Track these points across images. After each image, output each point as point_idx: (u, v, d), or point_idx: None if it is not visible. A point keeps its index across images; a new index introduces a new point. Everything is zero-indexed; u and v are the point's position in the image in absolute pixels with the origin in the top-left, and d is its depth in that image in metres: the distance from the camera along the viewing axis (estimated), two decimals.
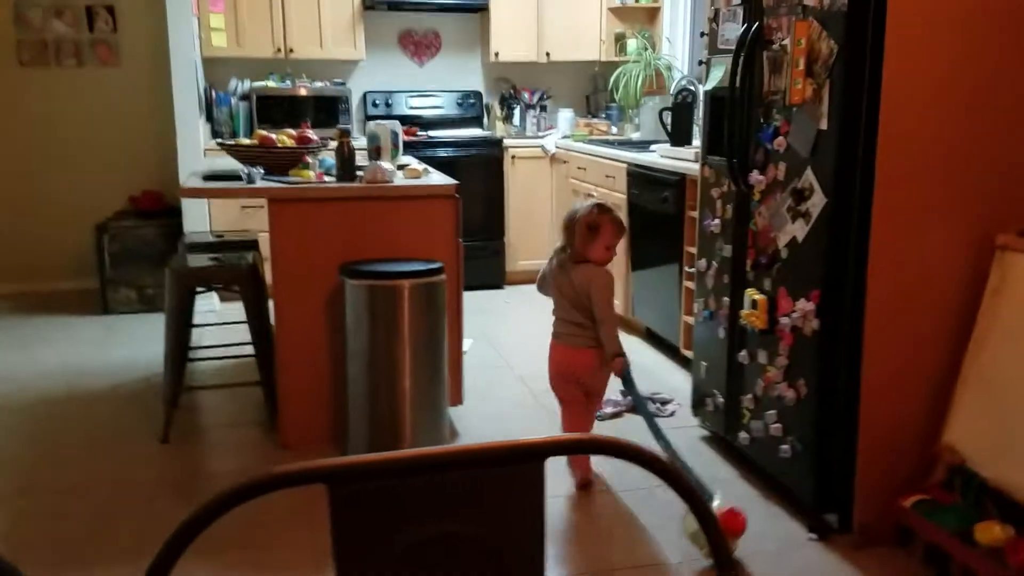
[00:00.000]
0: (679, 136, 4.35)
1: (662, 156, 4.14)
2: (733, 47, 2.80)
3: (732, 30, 2.88)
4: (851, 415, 2.47)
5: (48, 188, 5.41)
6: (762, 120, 2.71)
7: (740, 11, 2.84)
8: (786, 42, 2.57)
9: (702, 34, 3.28)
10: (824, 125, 2.41)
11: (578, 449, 0.80)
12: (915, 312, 2.42)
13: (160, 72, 5.15)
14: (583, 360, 2.85)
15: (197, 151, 4.87)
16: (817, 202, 2.45)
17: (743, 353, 2.85)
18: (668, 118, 4.47)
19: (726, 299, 2.95)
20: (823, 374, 2.49)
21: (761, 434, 2.77)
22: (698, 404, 3.25)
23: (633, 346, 4.37)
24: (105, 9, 5.30)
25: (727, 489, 2.75)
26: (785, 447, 2.63)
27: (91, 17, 5.29)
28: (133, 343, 4.43)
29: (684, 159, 3.89)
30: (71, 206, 5.40)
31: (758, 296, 2.72)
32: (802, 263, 2.54)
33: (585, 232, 2.75)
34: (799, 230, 2.54)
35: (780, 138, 2.61)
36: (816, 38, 2.43)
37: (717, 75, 2.99)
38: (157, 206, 5.24)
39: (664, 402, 3.62)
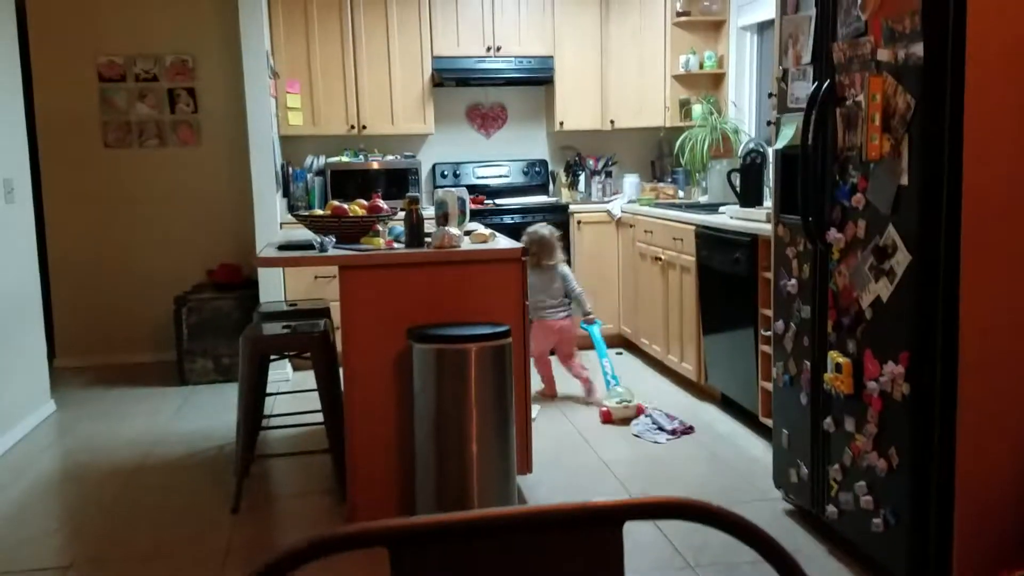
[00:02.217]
0: (749, 197, 4.28)
1: (732, 217, 4.07)
2: (803, 106, 2.75)
3: (802, 88, 2.83)
4: (947, 484, 2.31)
5: (130, 263, 5.62)
6: (838, 177, 2.63)
7: (810, 70, 2.80)
8: (860, 98, 2.51)
9: (770, 95, 3.25)
10: (905, 180, 2.32)
11: (660, 513, 0.74)
12: (1012, 372, 2.27)
13: (238, 151, 5.36)
14: (564, 326, 4.57)
15: (274, 225, 5.01)
16: (901, 260, 2.35)
17: (828, 420, 2.72)
18: (737, 180, 4.41)
19: (807, 363, 2.83)
20: (916, 441, 2.34)
21: (851, 507, 2.61)
22: (780, 475, 3.10)
23: (708, 414, 4.23)
24: (186, 91, 5.57)
25: (815, 566, 2.58)
26: (877, 520, 2.47)
27: (173, 99, 5.57)
28: (208, 413, 4.50)
29: (755, 219, 3.81)
30: (152, 280, 5.59)
31: (842, 359, 2.60)
32: (888, 324, 2.42)
33: (546, 246, 4.56)
34: (883, 289, 2.43)
35: (858, 195, 2.53)
36: (892, 93, 2.37)
37: (788, 134, 2.94)
38: (234, 279, 5.38)
39: (685, 430, 4.00)
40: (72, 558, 2.88)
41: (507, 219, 5.41)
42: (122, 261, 5.61)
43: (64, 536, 3.08)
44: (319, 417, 3.44)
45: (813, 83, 2.74)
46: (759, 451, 3.68)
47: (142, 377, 5.24)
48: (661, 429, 4.03)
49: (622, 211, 5.50)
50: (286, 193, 5.51)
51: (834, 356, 2.65)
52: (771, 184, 3.64)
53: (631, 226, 5.35)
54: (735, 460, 3.61)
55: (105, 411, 4.59)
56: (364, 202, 3.59)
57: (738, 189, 4.38)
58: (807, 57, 2.80)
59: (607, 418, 4.17)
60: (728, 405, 4.28)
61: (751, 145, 4.56)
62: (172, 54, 5.53)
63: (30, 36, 5.30)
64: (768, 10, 4.94)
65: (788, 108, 2.94)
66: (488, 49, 5.61)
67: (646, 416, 4.16)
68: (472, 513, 0.72)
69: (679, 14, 5.54)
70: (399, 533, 0.70)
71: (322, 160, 5.58)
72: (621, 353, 5.53)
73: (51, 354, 5.03)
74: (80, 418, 4.47)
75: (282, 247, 3.40)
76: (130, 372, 5.37)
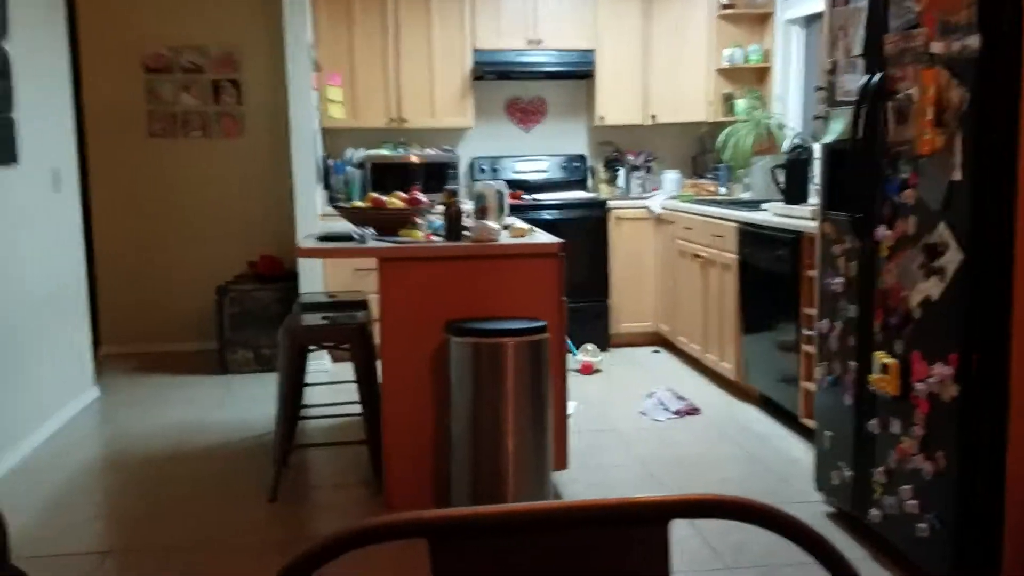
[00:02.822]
0: (793, 194, 4.20)
1: (776, 214, 4.00)
2: (853, 99, 2.69)
3: (852, 81, 2.77)
4: (996, 489, 2.24)
5: (173, 253, 5.70)
6: (888, 172, 2.57)
7: (860, 63, 2.73)
8: (912, 91, 2.44)
9: (818, 88, 3.18)
10: (957, 176, 2.26)
11: (708, 511, 0.71)
12: None
13: (280, 143, 5.41)
14: None
15: (314, 217, 5.04)
16: (952, 258, 2.28)
17: (873, 422, 2.65)
18: (781, 176, 4.34)
19: (852, 363, 2.77)
20: (964, 444, 2.27)
21: (895, 511, 2.55)
22: (822, 478, 3.04)
23: (747, 414, 4.17)
24: (231, 83, 5.63)
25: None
26: (922, 525, 2.41)
27: (217, 91, 5.63)
28: (248, 402, 4.54)
29: (800, 216, 3.74)
30: (195, 270, 5.66)
31: (889, 360, 2.54)
32: (938, 324, 2.35)
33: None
34: (933, 288, 2.36)
35: (908, 190, 2.46)
36: (945, 86, 2.30)
37: (836, 128, 2.87)
38: (274, 270, 5.43)
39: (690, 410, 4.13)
40: (111, 544, 2.93)
41: (545, 214, 5.38)
42: (166, 250, 5.69)
43: (105, 522, 3.13)
44: (357, 408, 3.45)
45: (863, 76, 2.67)
46: (799, 452, 3.62)
47: (184, 366, 5.31)
48: (666, 409, 4.16)
49: (662, 207, 5.45)
50: (326, 185, 5.55)
51: (880, 356, 2.59)
52: (817, 180, 3.57)
53: (670, 223, 5.29)
54: (774, 461, 3.55)
55: (147, 398, 4.66)
56: (403, 195, 3.59)
57: (783, 185, 4.31)
58: (857, 49, 2.74)
59: (588, 370, 4.67)
60: (767, 405, 4.21)
61: (796, 140, 4.47)
62: (217, 46, 5.59)
63: (79, 27, 5.39)
64: (816, 3, 4.84)
65: (837, 102, 2.88)
66: (529, 42, 5.58)
67: (653, 395, 4.32)
68: (514, 506, 0.70)
69: (723, 7, 5.46)
70: (440, 524, 0.69)
71: (362, 153, 5.60)
72: (658, 351, 5.48)
73: (96, 341, 5.12)
74: (123, 405, 4.54)
75: (322, 238, 3.42)
76: (173, 360, 5.44)
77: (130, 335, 5.67)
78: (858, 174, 2.67)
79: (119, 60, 5.51)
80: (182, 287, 5.67)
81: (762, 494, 3.21)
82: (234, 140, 5.68)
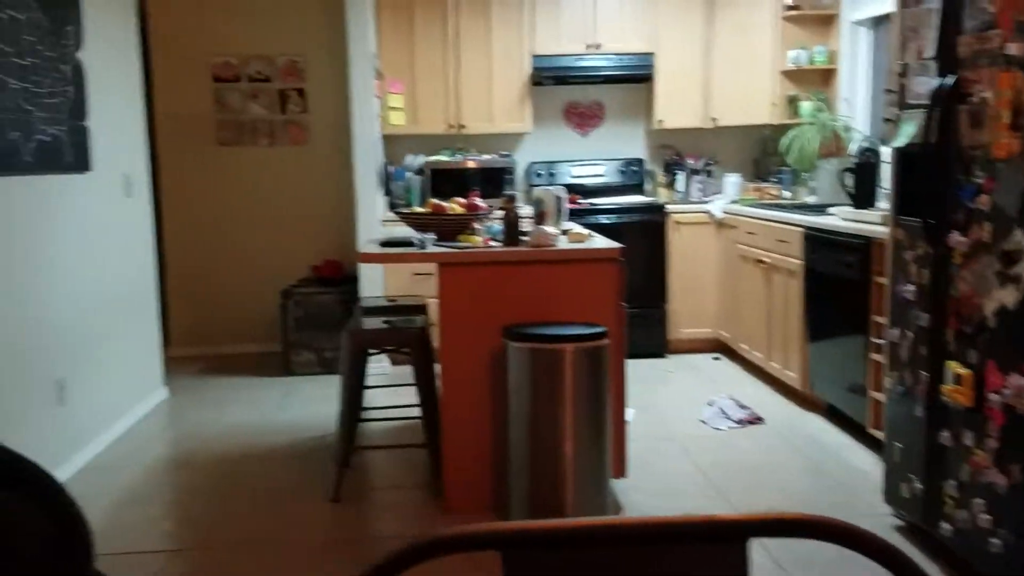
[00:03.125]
0: (862, 198, 4.10)
1: (844, 219, 3.91)
2: (925, 102, 2.61)
3: (924, 84, 2.69)
4: None
5: (240, 257, 5.83)
6: (961, 177, 2.49)
7: (933, 65, 2.65)
8: (987, 94, 2.36)
9: (887, 90, 3.10)
10: None
11: (788, 529, 0.69)
12: None
13: (343, 150, 5.49)
14: None
15: (375, 222, 5.11)
16: None
17: (945, 434, 2.57)
18: (849, 179, 4.24)
19: (924, 373, 2.69)
20: None
21: (967, 525, 2.46)
22: (891, 490, 2.95)
23: (813, 424, 4.08)
24: (296, 92, 5.75)
25: None
26: (996, 540, 2.32)
27: (283, 99, 5.75)
28: (311, 404, 4.62)
29: (869, 221, 3.65)
30: (260, 274, 5.78)
31: (962, 370, 2.45)
32: (1014, 333, 2.27)
33: None
34: (1009, 296, 2.28)
35: (983, 196, 2.38)
36: (1022, 89, 2.22)
37: (908, 131, 2.79)
38: (336, 274, 5.52)
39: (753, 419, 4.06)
40: (181, 542, 3.01)
41: (602, 219, 5.36)
42: (232, 255, 5.83)
43: (173, 520, 3.21)
44: (415, 411, 3.48)
45: (936, 79, 2.60)
46: (867, 464, 3.53)
47: (249, 367, 5.43)
48: (728, 417, 4.09)
49: (723, 211, 5.37)
50: (387, 191, 5.61)
51: (953, 366, 2.51)
52: (886, 184, 3.48)
53: (732, 227, 5.21)
54: (841, 473, 3.46)
55: (214, 399, 4.78)
56: (462, 200, 3.61)
57: (851, 189, 4.21)
58: (930, 52, 2.66)
59: None
60: (833, 415, 4.12)
61: (864, 143, 4.37)
62: (283, 55, 5.71)
63: (150, 39, 5.56)
64: (883, 4, 4.72)
65: (908, 105, 2.80)
66: (588, 47, 5.56)
67: (714, 404, 4.27)
68: (591, 520, 0.70)
69: (788, 8, 5.36)
70: (515, 536, 0.68)
71: (421, 159, 5.66)
72: (719, 358, 5.40)
73: (164, 343, 5.26)
74: (190, 405, 4.67)
75: (383, 244, 3.46)
76: (238, 362, 5.57)
77: (197, 337, 5.82)
78: (930, 179, 2.59)
79: (189, 70, 5.66)
80: (248, 290, 5.80)
81: (829, 506, 3.14)
82: (300, 148, 5.80)
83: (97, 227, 4.01)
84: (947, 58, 2.55)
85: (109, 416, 4.06)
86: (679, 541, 0.68)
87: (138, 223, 4.59)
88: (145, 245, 4.68)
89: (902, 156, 2.86)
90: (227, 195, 5.79)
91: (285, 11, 5.70)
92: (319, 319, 5.23)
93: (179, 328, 5.80)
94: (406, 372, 4.00)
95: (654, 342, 5.38)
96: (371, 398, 4.36)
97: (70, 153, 3.69)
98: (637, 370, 4.90)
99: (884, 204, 3.95)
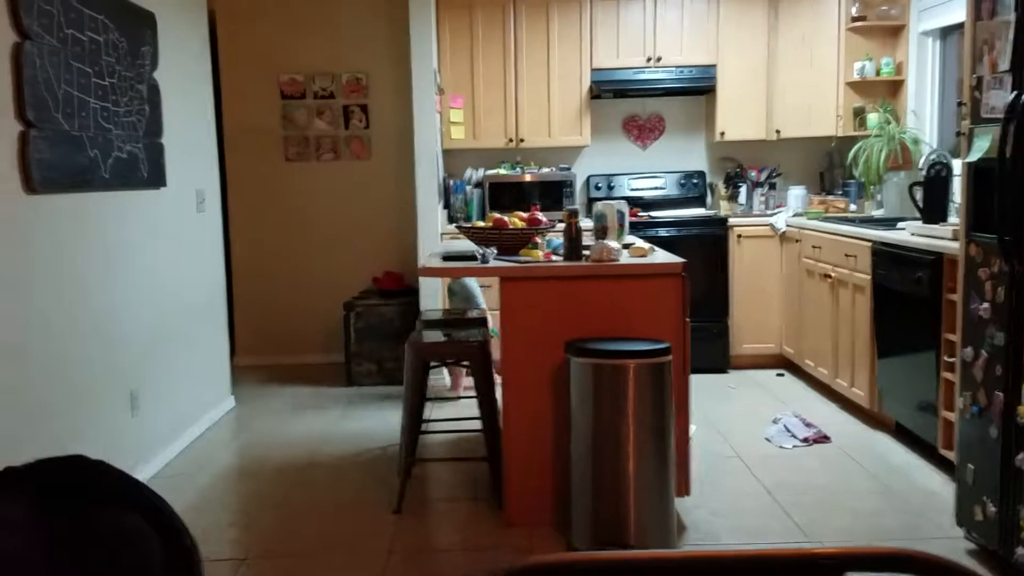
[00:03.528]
0: (932, 212, 3.99)
1: (913, 234, 3.82)
2: (1000, 116, 2.54)
3: (999, 98, 2.62)
4: None
5: (305, 269, 5.96)
6: None
7: (1008, 78, 2.58)
8: None
9: (959, 104, 3.02)
10: None
11: (889, 564, 0.68)
12: None
13: (404, 164, 5.57)
14: None
15: (435, 235, 5.17)
16: None
17: (1021, 456, 2.49)
18: (919, 193, 4.14)
19: (1000, 393, 2.61)
20: None
21: None
22: (963, 512, 2.86)
23: (882, 444, 3.98)
24: (359, 108, 5.86)
25: None
26: None
27: (347, 115, 5.86)
28: (372, 414, 4.69)
29: (940, 236, 3.55)
30: (323, 286, 5.89)
31: None
32: None
33: None
34: None
35: None
36: None
37: (982, 146, 2.72)
38: (397, 286, 5.59)
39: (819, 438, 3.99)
40: (247, 551, 3.07)
41: (662, 232, 5.33)
42: (297, 267, 5.95)
43: (239, 528, 3.29)
44: (475, 424, 3.50)
45: (1012, 92, 2.53)
46: (937, 485, 3.43)
47: (312, 377, 5.53)
48: (793, 435, 4.03)
49: (787, 224, 5.29)
50: (446, 204, 5.68)
51: None
52: (958, 199, 3.39)
53: (797, 241, 5.13)
54: (911, 494, 3.37)
55: (279, 408, 4.88)
56: (523, 214, 3.63)
57: (920, 204, 4.11)
58: (1004, 64, 2.59)
59: None
60: (903, 434, 4.01)
61: (934, 157, 4.26)
62: (347, 72, 5.82)
63: (220, 57, 5.73)
64: (953, 14, 4.61)
65: (982, 119, 2.73)
66: (648, 60, 5.55)
67: (779, 421, 4.22)
68: (682, 552, 0.70)
69: (854, 19, 5.27)
70: (602, 567, 0.69)
71: (480, 172, 5.71)
72: (782, 374, 5.31)
73: (231, 352, 5.40)
74: (256, 414, 4.77)
75: (445, 257, 3.50)
76: (301, 372, 5.68)
77: (261, 347, 5.95)
78: (1006, 195, 2.52)
79: (257, 87, 5.82)
80: (311, 301, 5.91)
81: (899, 528, 3.06)
82: (363, 162, 5.90)
83: (170, 241, 4.14)
84: (1023, 71, 2.48)
85: (179, 425, 4.17)
86: (775, 573, 0.67)
87: (209, 237, 4.72)
88: (215, 258, 4.81)
89: (976, 171, 2.78)
90: (292, 209, 5.92)
91: (349, 29, 5.82)
92: (380, 330, 5.30)
93: (244, 338, 5.94)
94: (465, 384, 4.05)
95: (716, 357, 5.32)
96: (430, 410, 4.40)
97: (146, 169, 3.82)
98: (699, 385, 4.84)
99: (955, 219, 3.85)
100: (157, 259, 3.97)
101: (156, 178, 3.95)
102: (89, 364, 3.31)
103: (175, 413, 4.12)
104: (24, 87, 2.84)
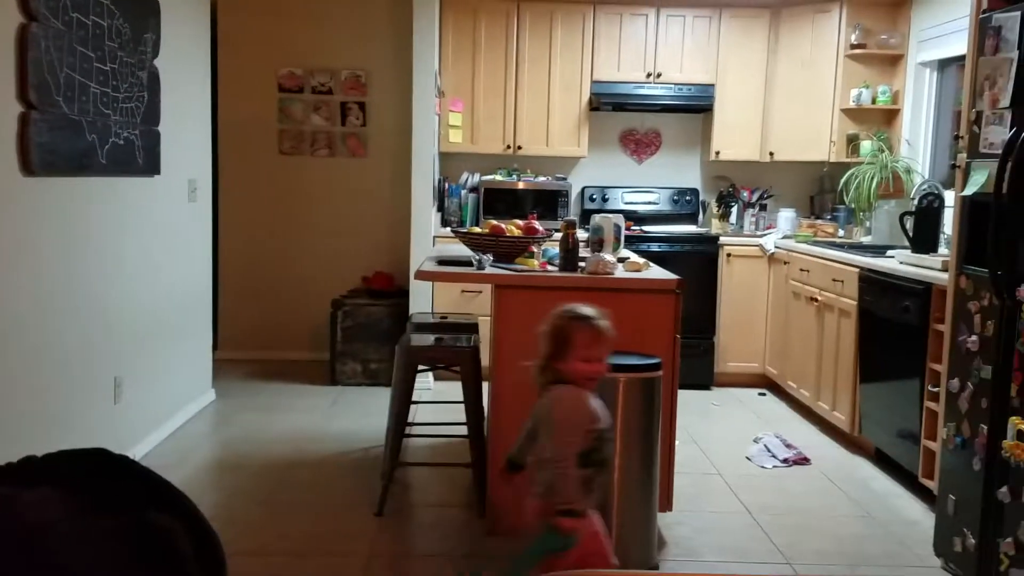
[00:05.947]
0: (922, 242, 4.04)
1: (903, 263, 3.86)
2: (998, 151, 2.58)
3: (998, 133, 2.66)
4: None
5: (293, 264, 5.92)
6: None
7: (1008, 115, 2.63)
8: None
9: (956, 137, 3.07)
10: None
11: None
12: None
13: (400, 164, 5.56)
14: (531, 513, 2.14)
15: (428, 238, 5.17)
16: None
17: (1003, 490, 2.52)
18: (909, 223, 4.18)
19: (984, 426, 2.64)
20: None
21: None
22: (942, 543, 2.90)
23: (862, 470, 4.01)
24: (357, 105, 5.84)
25: None
26: None
27: (344, 112, 5.85)
28: (356, 414, 4.67)
29: (930, 267, 3.60)
30: (311, 282, 5.86)
31: None
32: None
33: (551, 343, 2.16)
34: None
35: None
36: None
37: (979, 180, 2.76)
38: (387, 286, 5.57)
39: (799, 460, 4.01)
40: (230, 548, 3.04)
41: (654, 246, 5.35)
42: (285, 262, 5.92)
43: (221, 524, 3.24)
44: (460, 429, 3.50)
45: (1011, 129, 2.57)
46: (917, 513, 3.46)
47: (296, 374, 5.49)
48: (774, 456, 4.06)
49: (776, 246, 5.33)
50: (441, 207, 5.67)
51: (1016, 422, 2.46)
52: (949, 230, 3.44)
53: (785, 263, 5.17)
54: (890, 521, 3.40)
55: (261, 404, 4.84)
56: (520, 222, 3.64)
57: (911, 233, 4.15)
58: (1005, 101, 2.63)
59: None
60: (882, 460, 4.04)
61: (926, 187, 4.31)
62: (347, 69, 5.81)
63: (219, 48, 5.70)
64: (952, 47, 4.67)
65: (980, 153, 2.77)
66: (648, 75, 5.58)
67: (760, 441, 4.25)
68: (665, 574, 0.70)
69: (853, 46, 5.32)
70: None
71: (477, 177, 5.72)
72: (764, 394, 5.34)
73: (214, 345, 5.36)
74: (237, 409, 4.74)
75: (441, 262, 3.50)
76: (284, 368, 5.63)
77: (246, 341, 5.90)
78: (1001, 230, 2.56)
79: (255, 79, 5.79)
80: (299, 297, 5.87)
81: (879, 555, 3.09)
82: (358, 160, 5.88)
83: (162, 230, 4.11)
84: (1023, 108, 2.53)
85: (160, 415, 4.14)
86: None
87: (200, 227, 4.69)
88: (204, 249, 4.78)
89: (971, 204, 2.82)
90: (284, 203, 5.89)
91: (352, 26, 5.81)
92: (367, 330, 5.28)
93: (228, 331, 5.90)
94: (448, 388, 4.03)
95: (700, 374, 5.35)
96: (414, 413, 4.39)
97: (141, 157, 3.79)
98: (682, 401, 4.78)
99: (945, 250, 3.89)
100: (148, 246, 3.94)
101: (151, 166, 3.93)
102: (76, 348, 3.28)
103: (157, 402, 4.09)
104: (28, 69, 2.81)
